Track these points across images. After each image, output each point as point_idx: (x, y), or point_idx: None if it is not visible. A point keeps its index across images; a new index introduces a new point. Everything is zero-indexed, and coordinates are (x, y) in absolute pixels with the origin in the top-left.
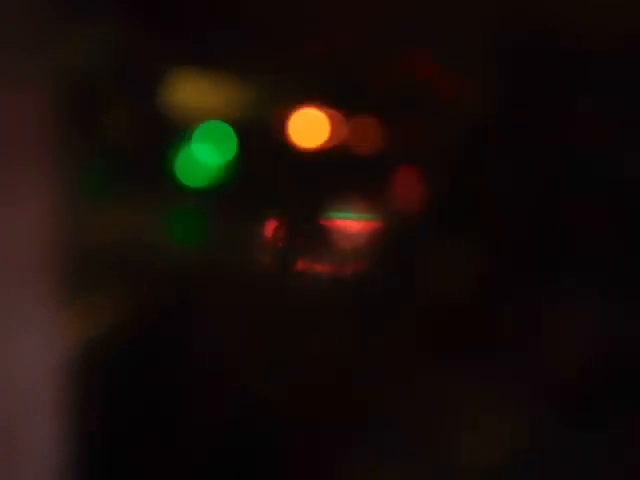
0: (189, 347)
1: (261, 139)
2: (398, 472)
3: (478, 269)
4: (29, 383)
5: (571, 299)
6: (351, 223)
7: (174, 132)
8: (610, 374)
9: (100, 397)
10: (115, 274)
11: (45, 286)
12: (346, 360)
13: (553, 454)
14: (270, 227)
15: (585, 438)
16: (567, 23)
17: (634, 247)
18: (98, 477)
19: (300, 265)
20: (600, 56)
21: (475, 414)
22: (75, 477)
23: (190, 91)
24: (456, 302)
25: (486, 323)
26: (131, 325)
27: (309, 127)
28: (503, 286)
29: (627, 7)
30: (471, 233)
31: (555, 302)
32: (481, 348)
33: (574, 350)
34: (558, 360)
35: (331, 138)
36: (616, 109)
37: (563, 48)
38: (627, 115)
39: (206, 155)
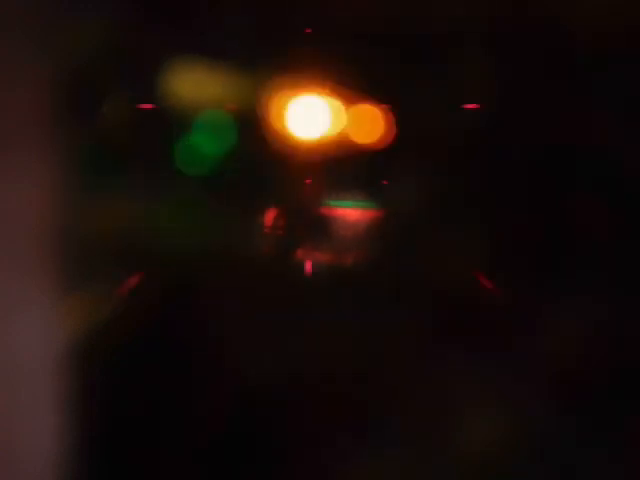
0: (189, 337)
1: (261, 128)
2: (398, 468)
3: (477, 264)
4: (29, 375)
5: (571, 298)
6: (351, 211)
7: (174, 121)
8: (611, 374)
9: (100, 388)
10: (115, 263)
11: (45, 276)
12: (345, 348)
13: (553, 453)
14: (270, 216)
15: (585, 437)
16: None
17: (634, 247)
18: (98, 470)
19: (300, 253)
20: (599, 56)
21: (474, 411)
22: (75, 469)
23: (190, 81)
24: (455, 296)
25: (485, 319)
26: (131, 315)
27: (309, 116)
28: (502, 283)
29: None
30: (471, 227)
31: (555, 300)
32: (480, 344)
33: (575, 349)
34: (559, 359)
35: (331, 127)
36: (618, 109)
37: (563, 46)
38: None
39: (206, 144)
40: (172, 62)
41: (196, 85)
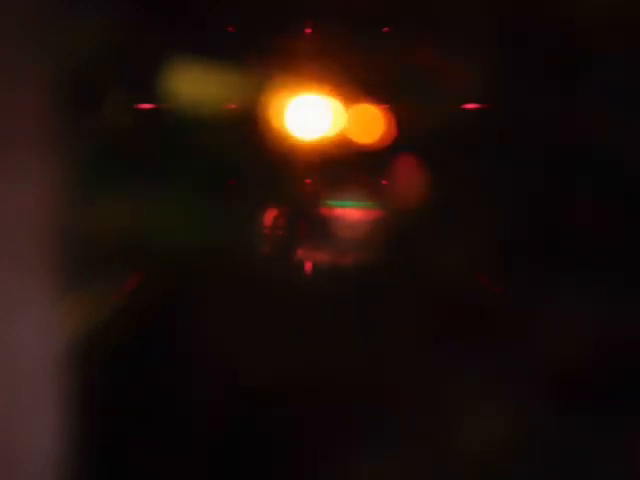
0: (190, 337)
1: (261, 128)
2: (398, 468)
3: (477, 263)
4: (29, 375)
5: (571, 297)
6: (351, 211)
7: (174, 121)
8: (611, 374)
9: (100, 388)
10: (115, 263)
11: (45, 276)
12: (346, 348)
13: (553, 453)
14: (270, 216)
15: (585, 437)
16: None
17: (635, 247)
18: (98, 470)
19: (300, 253)
20: (601, 54)
21: (473, 411)
22: (75, 469)
23: (190, 81)
24: (455, 295)
25: (485, 319)
26: (131, 315)
27: (309, 116)
28: (502, 281)
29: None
30: (471, 226)
31: (555, 300)
32: (480, 343)
33: (575, 349)
34: (559, 358)
35: (331, 127)
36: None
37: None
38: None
39: (206, 144)
40: (172, 62)
41: (196, 85)
